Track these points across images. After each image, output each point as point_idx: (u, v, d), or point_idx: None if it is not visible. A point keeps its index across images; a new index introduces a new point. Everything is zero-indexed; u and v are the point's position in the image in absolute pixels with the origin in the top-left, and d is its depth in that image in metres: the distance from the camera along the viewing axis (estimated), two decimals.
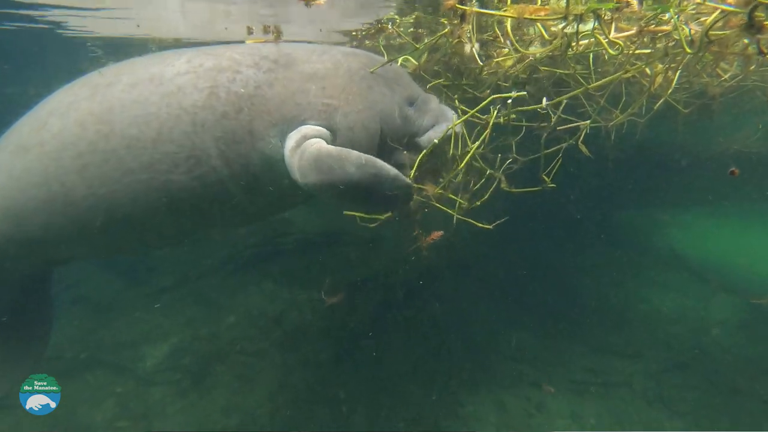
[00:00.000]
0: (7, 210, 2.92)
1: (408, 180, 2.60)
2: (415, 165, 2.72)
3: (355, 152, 2.58)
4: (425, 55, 3.19)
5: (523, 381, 5.65)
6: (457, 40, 2.45)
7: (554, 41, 2.39)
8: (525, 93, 2.52)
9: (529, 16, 1.93)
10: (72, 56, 8.49)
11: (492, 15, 2.28)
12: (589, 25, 2.22)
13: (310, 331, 5.86)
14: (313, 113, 2.76)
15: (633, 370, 5.89)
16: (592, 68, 2.55)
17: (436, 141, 2.76)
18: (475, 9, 2.21)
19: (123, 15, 5.80)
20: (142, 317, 6.18)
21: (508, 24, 2.40)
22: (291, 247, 7.22)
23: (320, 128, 2.75)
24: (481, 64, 2.74)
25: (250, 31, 4.12)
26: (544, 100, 2.31)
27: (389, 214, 2.74)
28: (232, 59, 2.86)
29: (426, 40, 2.95)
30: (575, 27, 2.14)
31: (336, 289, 3.17)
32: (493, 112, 2.62)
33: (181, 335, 5.81)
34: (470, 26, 2.30)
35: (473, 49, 2.46)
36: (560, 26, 2.31)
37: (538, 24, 2.39)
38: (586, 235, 8.65)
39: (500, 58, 2.85)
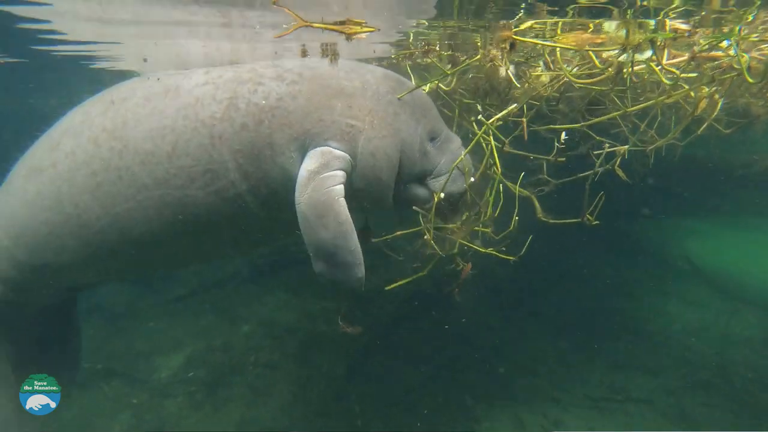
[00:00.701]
0: (20, 237, 2.86)
1: (360, 277, 2.58)
2: (432, 215, 2.70)
3: (354, 236, 2.55)
4: (454, 80, 3.10)
5: (539, 396, 5.55)
6: (489, 64, 2.38)
7: (607, 69, 2.27)
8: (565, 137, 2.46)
9: (588, 48, 1.87)
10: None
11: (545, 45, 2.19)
12: (643, 54, 2.15)
13: (323, 342, 5.83)
14: (336, 133, 2.66)
15: (653, 386, 5.75)
16: (628, 89, 2.46)
17: (441, 195, 2.75)
18: (534, 41, 2.13)
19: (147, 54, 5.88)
20: (156, 327, 6.19)
21: (558, 52, 2.31)
22: (304, 257, 7.19)
23: (344, 155, 2.65)
24: (518, 85, 2.65)
25: (304, 54, 4.01)
26: (563, 134, 2.26)
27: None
28: (254, 71, 2.78)
29: (460, 62, 2.87)
30: (630, 55, 2.06)
31: (353, 317, 3.08)
32: (524, 121, 2.52)
33: (195, 345, 5.81)
34: (508, 50, 2.23)
35: (508, 71, 2.38)
36: (613, 54, 2.22)
37: (590, 52, 2.30)
38: (601, 244, 8.52)
39: (539, 75, 2.73)
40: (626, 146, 2.17)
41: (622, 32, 1.88)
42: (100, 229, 2.71)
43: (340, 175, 2.61)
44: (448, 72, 2.95)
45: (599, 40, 1.84)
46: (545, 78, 2.64)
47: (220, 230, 2.90)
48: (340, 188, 2.59)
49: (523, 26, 2.74)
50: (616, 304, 7.38)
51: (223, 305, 6.31)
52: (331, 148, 2.64)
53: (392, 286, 2.75)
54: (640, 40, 1.83)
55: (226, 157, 2.62)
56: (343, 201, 2.58)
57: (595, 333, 6.55)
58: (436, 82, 3.12)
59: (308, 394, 5.19)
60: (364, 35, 2.89)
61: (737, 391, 5.60)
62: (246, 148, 2.62)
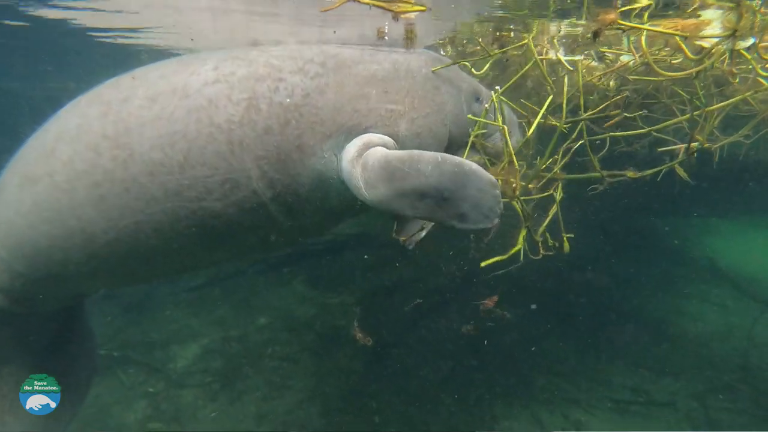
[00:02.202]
0: (18, 248, 2.61)
1: (492, 177, 2.21)
2: (505, 159, 2.38)
3: (427, 152, 2.25)
4: (487, 66, 2.92)
5: (559, 397, 5.44)
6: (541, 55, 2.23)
7: (705, 58, 2.07)
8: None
9: (692, 34, 1.72)
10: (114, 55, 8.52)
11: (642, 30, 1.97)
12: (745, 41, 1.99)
13: (341, 336, 5.76)
14: (375, 121, 2.46)
15: (675, 388, 5.62)
16: (699, 85, 2.31)
17: (517, 142, 2.47)
18: (640, 25, 1.92)
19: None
20: (172, 316, 6.16)
21: (643, 40, 2.13)
22: (320, 249, 7.13)
23: (384, 137, 2.46)
24: (569, 68, 2.47)
25: (381, 36, 3.63)
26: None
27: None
28: (270, 65, 2.49)
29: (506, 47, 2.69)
30: (732, 43, 1.88)
31: (366, 328, 2.92)
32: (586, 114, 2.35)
33: (212, 336, 5.76)
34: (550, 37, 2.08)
35: (558, 54, 2.24)
36: (710, 41, 2.04)
37: (678, 39, 2.15)
38: (620, 242, 8.36)
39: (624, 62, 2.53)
40: (695, 144, 2.02)
41: (731, 16, 1.73)
42: (108, 242, 2.47)
43: (387, 147, 2.42)
44: (494, 53, 2.70)
45: (704, 26, 1.69)
46: (629, 63, 2.46)
47: (237, 240, 2.70)
48: (383, 149, 2.38)
49: (635, 5, 2.44)
50: (636, 303, 7.24)
51: (240, 296, 6.26)
52: (371, 134, 2.45)
53: (488, 262, 2.44)
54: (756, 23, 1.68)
55: (247, 165, 2.37)
56: (391, 151, 2.33)
57: (614, 333, 6.43)
58: (465, 64, 2.88)
59: (325, 389, 5.13)
60: (413, 15, 2.71)
61: (763, 396, 5.46)
62: (271, 153, 2.38)
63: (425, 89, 2.58)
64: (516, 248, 2.41)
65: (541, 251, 2.57)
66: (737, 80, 2.51)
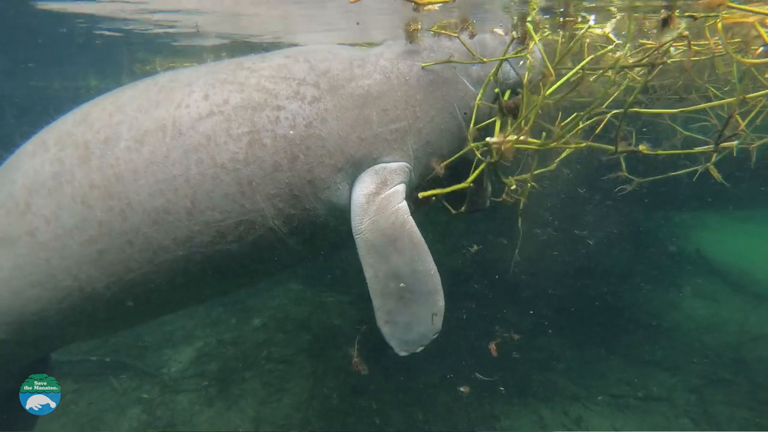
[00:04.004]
0: (1, 317, 2.34)
1: (441, 306, 2.31)
2: (522, 110, 2.26)
3: (429, 258, 2.26)
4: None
5: (559, 393, 5.44)
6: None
7: None
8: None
9: None
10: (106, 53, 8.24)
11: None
12: None
13: (338, 336, 5.69)
14: (382, 147, 2.34)
15: (672, 383, 5.66)
16: (737, 79, 2.24)
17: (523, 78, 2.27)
18: (753, 8, 1.82)
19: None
20: (165, 318, 6.02)
21: (720, 25, 1.98)
22: None
23: (400, 166, 2.36)
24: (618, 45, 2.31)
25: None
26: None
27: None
28: (264, 89, 2.30)
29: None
30: None
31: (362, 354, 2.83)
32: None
33: (206, 339, 5.65)
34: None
35: (606, 31, 2.12)
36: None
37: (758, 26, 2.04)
38: (613, 236, 8.40)
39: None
40: (734, 143, 1.97)
41: None
42: (112, 296, 2.27)
43: (401, 189, 2.35)
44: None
45: None
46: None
47: (254, 272, 2.62)
48: (405, 205, 2.32)
49: None
50: (630, 298, 7.29)
51: (234, 297, 6.15)
52: (384, 164, 2.35)
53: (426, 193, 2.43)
54: None
55: (261, 205, 2.23)
56: (412, 219, 2.30)
57: (610, 327, 6.45)
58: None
59: (323, 390, 5.05)
60: (436, 6, 2.57)
61: (758, 389, 5.52)
62: (283, 190, 2.24)
63: (424, 92, 2.45)
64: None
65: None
66: None
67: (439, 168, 2.45)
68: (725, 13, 1.81)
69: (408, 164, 2.43)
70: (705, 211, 9.94)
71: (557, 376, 5.66)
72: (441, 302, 2.28)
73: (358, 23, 5.19)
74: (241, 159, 2.18)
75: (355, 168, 2.36)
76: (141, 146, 2.17)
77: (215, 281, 2.44)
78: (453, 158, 2.52)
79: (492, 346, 2.74)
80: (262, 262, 2.45)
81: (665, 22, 1.71)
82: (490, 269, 6.54)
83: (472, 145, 2.40)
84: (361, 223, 2.26)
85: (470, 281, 6.39)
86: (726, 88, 2.62)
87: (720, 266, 8.36)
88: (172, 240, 2.18)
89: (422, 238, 2.26)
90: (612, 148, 2.16)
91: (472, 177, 2.39)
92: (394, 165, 2.37)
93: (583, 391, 5.47)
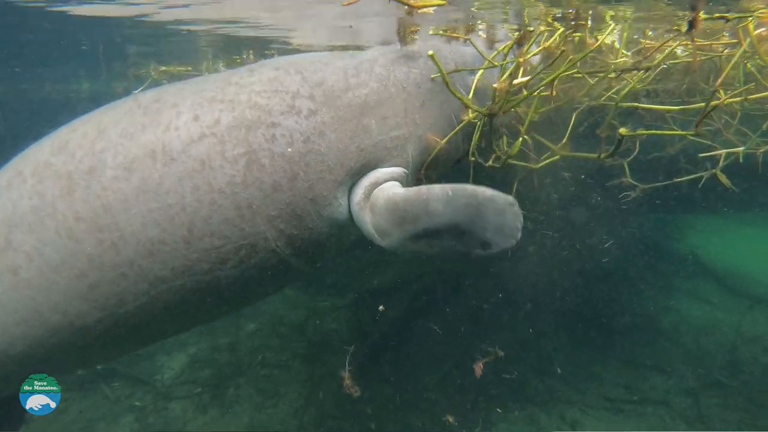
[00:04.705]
0: None
1: (508, 196, 2.10)
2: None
3: (436, 187, 2.11)
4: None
5: (555, 397, 5.43)
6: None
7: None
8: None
9: None
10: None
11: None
12: None
13: (333, 341, 5.64)
14: (382, 155, 2.29)
15: (668, 386, 5.66)
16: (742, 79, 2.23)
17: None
18: None
19: None
20: None
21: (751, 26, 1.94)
22: None
23: (392, 169, 2.32)
24: (627, 54, 2.31)
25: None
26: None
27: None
28: (257, 106, 2.21)
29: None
30: None
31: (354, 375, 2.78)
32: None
33: (200, 345, 5.59)
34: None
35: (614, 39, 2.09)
36: None
37: None
38: (608, 240, 8.40)
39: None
40: (741, 149, 1.95)
41: None
42: (105, 329, 2.17)
43: (395, 180, 2.31)
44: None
45: None
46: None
47: (255, 294, 2.54)
48: (388, 185, 2.25)
49: None
50: (624, 300, 7.29)
51: None
52: (376, 171, 2.30)
53: None
54: None
55: (261, 228, 2.15)
56: (396, 187, 2.22)
57: (604, 330, 6.45)
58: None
59: (319, 395, 5.00)
60: (431, 9, 2.52)
61: (753, 392, 5.52)
62: (284, 211, 2.16)
63: (421, 98, 2.41)
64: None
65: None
66: None
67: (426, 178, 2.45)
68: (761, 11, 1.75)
69: (405, 169, 2.39)
70: (699, 213, 9.98)
71: (554, 380, 5.65)
72: (486, 191, 2.09)
73: (351, 26, 5.15)
74: (239, 182, 2.10)
75: (354, 179, 2.30)
76: (130, 174, 2.07)
77: (215, 307, 2.35)
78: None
79: (478, 366, 2.65)
80: (264, 284, 2.37)
81: (691, 25, 1.68)
82: (486, 270, 6.53)
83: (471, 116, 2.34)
84: (373, 236, 2.18)
85: (464, 284, 6.36)
86: (728, 92, 2.61)
87: (714, 269, 8.39)
88: (170, 270, 2.10)
89: (416, 189, 2.13)
90: (595, 155, 2.14)
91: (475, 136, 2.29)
92: (386, 169, 2.32)
93: (579, 395, 5.45)
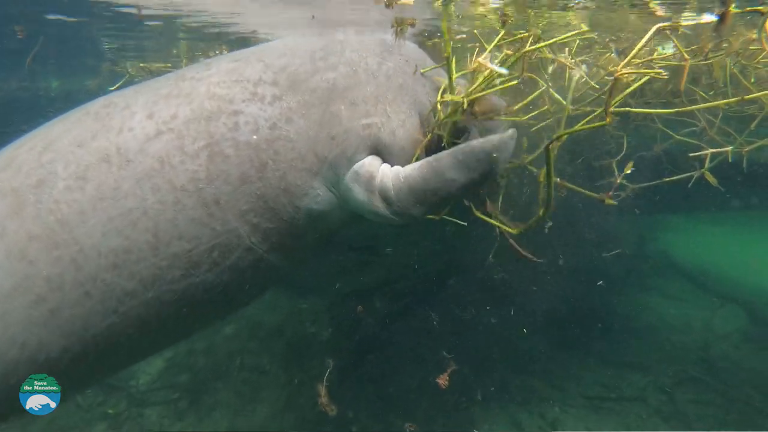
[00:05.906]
0: None
1: (510, 130, 2.07)
2: None
3: (443, 155, 2.07)
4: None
5: (535, 396, 5.47)
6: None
7: None
8: None
9: None
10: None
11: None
12: None
13: (313, 343, 5.56)
14: (356, 143, 2.18)
15: (645, 383, 5.76)
16: (728, 81, 2.26)
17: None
18: None
19: None
20: None
21: None
22: None
23: (374, 160, 2.23)
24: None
25: None
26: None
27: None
28: (216, 96, 2.08)
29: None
30: None
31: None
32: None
33: (176, 349, 5.44)
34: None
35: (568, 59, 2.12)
36: None
37: None
38: (580, 237, 8.51)
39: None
40: (729, 148, 1.97)
41: None
42: (73, 358, 1.95)
43: (386, 169, 2.27)
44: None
45: None
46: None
47: (237, 298, 2.38)
48: (400, 168, 2.22)
49: None
50: (600, 299, 7.39)
51: None
52: (359, 163, 2.21)
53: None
54: None
55: (233, 224, 2.03)
56: (400, 170, 2.20)
57: (582, 329, 6.52)
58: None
59: (299, 399, 4.93)
60: (410, 0, 2.47)
61: (725, 387, 5.66)
62: (256, 204, 2.05)
63: (393, 91, 2.31)
64: None
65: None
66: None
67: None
68: None
69: (382, 161, 2.32)
70: (671, 213, 10.21)
71: (534, 380, 5.69)
72: (493, 140, 2.07)
73: (313, 17, 4.99)
74: (203, 177, 1.99)
75: (333, 170, 2.20)
76: (84, 183, 1.91)
77: (193, 318, 2.20)
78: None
79: (442, 378, 2.63)
80: (243, 287, 2.23)
81: (722, 19, 1.66)
82: (467, 271, 6.54)
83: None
84: (387, 220, 2.16)
85: (444, 285, 6.37)
86: (711, 93, 2.67)
87: (687, 268, 8.59)
88: (138, 282, 1.93)
89: (423, 164, 2.11)
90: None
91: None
92: (369, 159, 2.24)
93: (559, 393, 5.50)
